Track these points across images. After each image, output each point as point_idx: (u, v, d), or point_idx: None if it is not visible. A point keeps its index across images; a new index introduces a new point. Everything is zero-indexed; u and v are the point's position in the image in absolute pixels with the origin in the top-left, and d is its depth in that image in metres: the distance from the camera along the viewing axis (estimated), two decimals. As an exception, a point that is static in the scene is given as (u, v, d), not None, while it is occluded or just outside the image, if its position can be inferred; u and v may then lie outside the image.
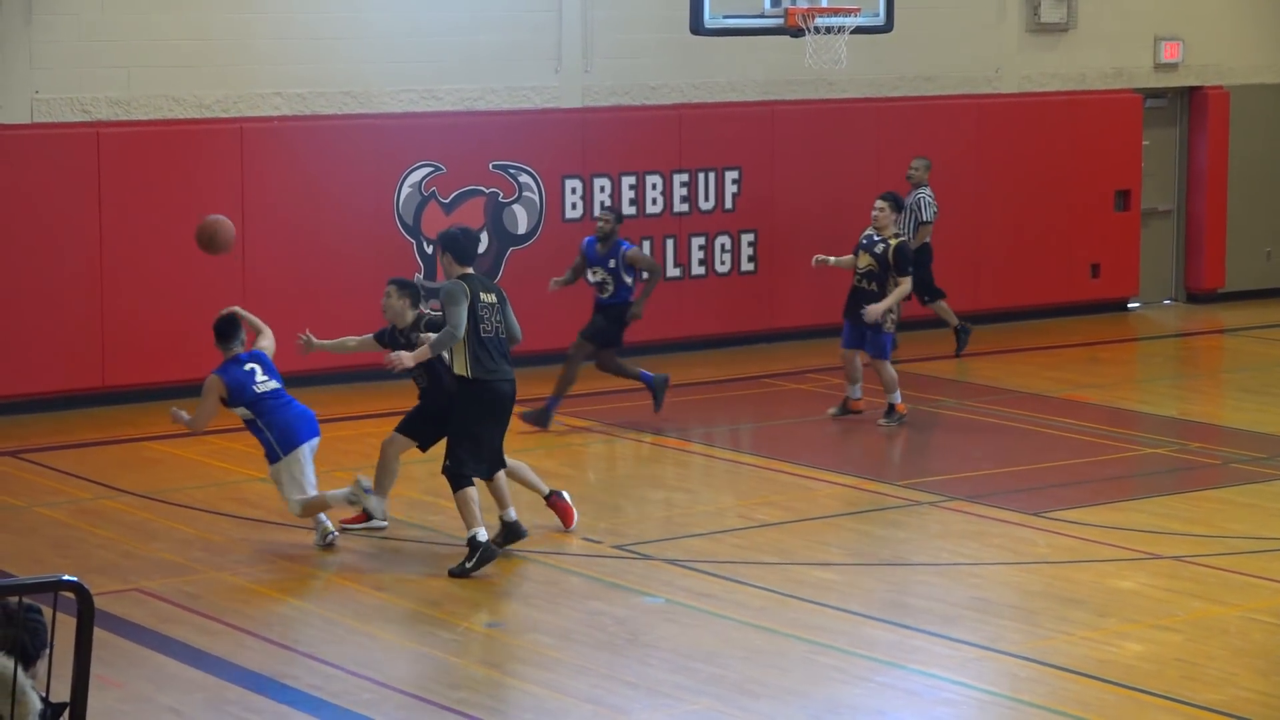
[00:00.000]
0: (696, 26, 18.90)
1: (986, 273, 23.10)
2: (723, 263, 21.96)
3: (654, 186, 21.52)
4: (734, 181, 21.93)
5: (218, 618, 12.63)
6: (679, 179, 21.63)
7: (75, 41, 18.78)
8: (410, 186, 20.20)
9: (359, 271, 19.19)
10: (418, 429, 14.41)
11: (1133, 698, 11.03)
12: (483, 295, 13.47)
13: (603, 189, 21.18)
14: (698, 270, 21.82)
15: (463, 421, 13.55)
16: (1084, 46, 24.33)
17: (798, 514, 15.32)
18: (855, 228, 19.09)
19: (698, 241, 21.80)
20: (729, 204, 21.94)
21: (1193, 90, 25.32)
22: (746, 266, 22.01)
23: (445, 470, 13.55)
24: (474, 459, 13.51)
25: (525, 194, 20.89)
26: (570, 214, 21.03)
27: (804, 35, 19.23)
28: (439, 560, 13.84)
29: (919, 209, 20.98)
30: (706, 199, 21.82)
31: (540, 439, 17.57)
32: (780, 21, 19.19)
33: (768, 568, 13.91)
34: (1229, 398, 20.25)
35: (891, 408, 18.14)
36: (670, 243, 21.65)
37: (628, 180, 21.37)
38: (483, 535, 13.39)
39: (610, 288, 18.24)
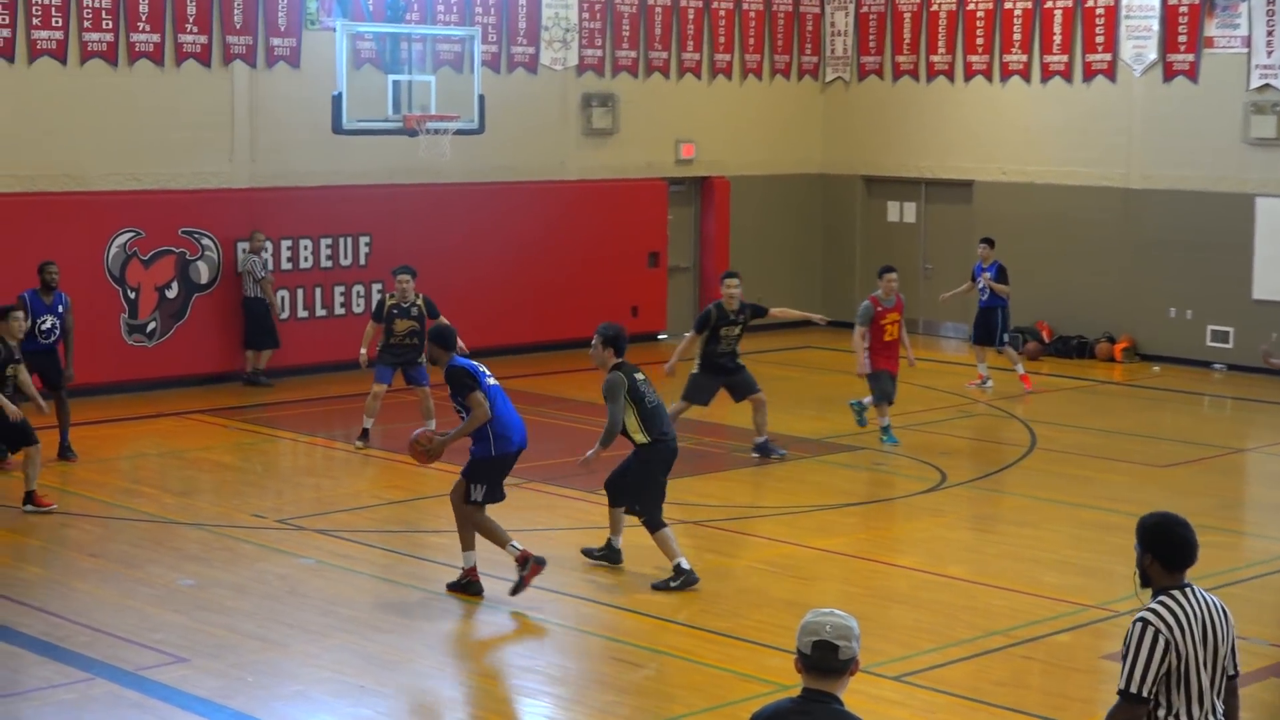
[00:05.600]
0: (337, 128, 18.83)
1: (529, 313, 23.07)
2: (357, 305, 21.57)
3: (305, 247, 21.11)
4: (366, 244, 21.64)
5: None
6: (325, 242, 21.25)
7: None
8: (117, 247, 19.56)
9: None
10: None
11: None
12: (637, 375, 12.23)
13: (268, 247, 20.72)
14: (339, 310, 21.43)
15: (647, 476, 12.31)
16: (625, 146, 24.50)
17: (416, 494, 15.24)
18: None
19: (340, 289, 21.45)
20: (363, 261, 21.59)
21: (703, 179, 25.81)
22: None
23: (645, 521, 12.25)
24: (659, 505, 12.34)
25: (206, 253, 20.38)
26: (241, 268, 20.55)
27: (418, 135, 19.24)
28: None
29: (254, 269, 20.19)
30: (345, 257, 21.49)
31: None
32: (400, 124, 19.18)
33: (392, 534, 13.84)
34: (730, 406, 19.13)
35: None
36: (318, 291, 21.23)
37: (286, 242, 20.93)
38: (685, 564, 12.10)
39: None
